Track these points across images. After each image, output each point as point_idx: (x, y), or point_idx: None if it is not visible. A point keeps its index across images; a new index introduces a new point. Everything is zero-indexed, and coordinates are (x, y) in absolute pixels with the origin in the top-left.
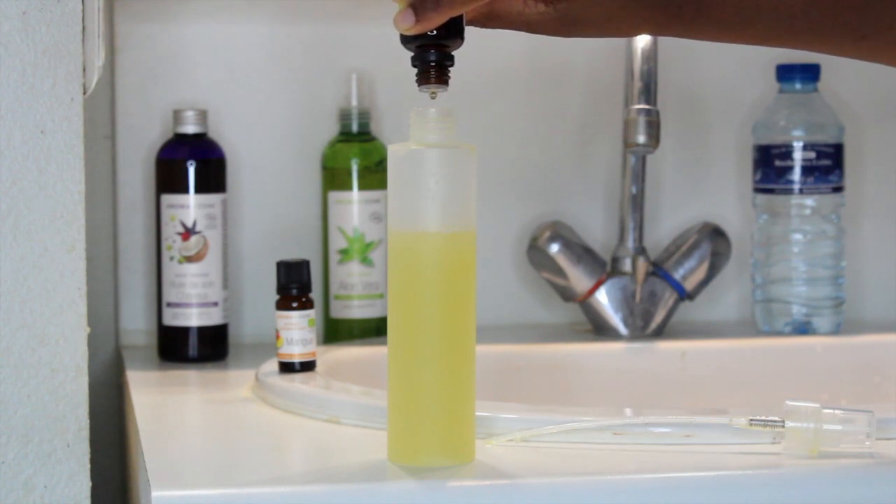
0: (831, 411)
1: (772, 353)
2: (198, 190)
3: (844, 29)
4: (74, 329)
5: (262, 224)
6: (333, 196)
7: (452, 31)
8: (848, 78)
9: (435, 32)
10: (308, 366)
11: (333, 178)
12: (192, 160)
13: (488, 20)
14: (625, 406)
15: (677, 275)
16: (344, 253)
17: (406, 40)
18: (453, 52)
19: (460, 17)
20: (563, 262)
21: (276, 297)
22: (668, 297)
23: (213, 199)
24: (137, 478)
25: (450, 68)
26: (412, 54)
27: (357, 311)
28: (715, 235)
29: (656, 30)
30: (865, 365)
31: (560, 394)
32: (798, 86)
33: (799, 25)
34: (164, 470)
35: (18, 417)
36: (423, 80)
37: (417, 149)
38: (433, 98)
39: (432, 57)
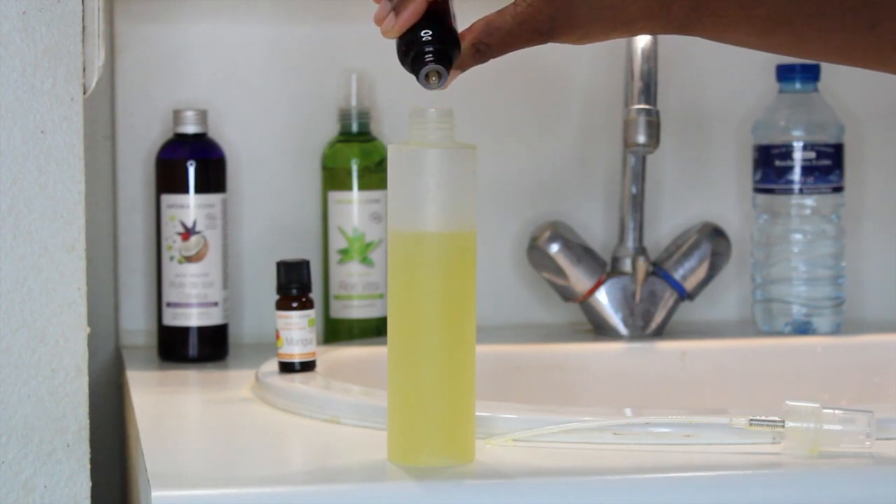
0: (831, 411)
1: (772, 353)
2: (198, 190)
3: (853, 16)
4: (74, 329)
5: (262, 224)
6: (333, 196)
7: (449, 40)
8: (848, 78)
9: (431, 37)
10: (308, 366)
11: (333, 178)
12: (192, 160)
13: (492, 41)
14: (625, 406)
15: (677, 275)
16: (344, 253)
17: (403, 55)
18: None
19: (453, 26)
20: (563, 262)
21: (276, 297)
22: (668, 297)
23: (213, 198)
24: (137, 478)
25: (450, 57)
26: (410, 52)
27: (357, 311)
28: (715, 235)
29: (652, 23)
30: (865, 365)
31: (560, 394)
32: (798, 86)
33: (807, 8)
34: (164, 470)
35: (18, 417)
36: (419, 64)
37: (417, 149)
38: (432, 83)
39: (428, 37)
